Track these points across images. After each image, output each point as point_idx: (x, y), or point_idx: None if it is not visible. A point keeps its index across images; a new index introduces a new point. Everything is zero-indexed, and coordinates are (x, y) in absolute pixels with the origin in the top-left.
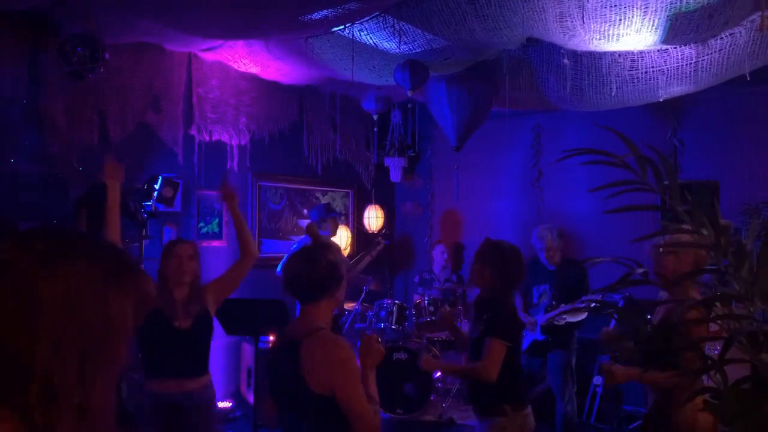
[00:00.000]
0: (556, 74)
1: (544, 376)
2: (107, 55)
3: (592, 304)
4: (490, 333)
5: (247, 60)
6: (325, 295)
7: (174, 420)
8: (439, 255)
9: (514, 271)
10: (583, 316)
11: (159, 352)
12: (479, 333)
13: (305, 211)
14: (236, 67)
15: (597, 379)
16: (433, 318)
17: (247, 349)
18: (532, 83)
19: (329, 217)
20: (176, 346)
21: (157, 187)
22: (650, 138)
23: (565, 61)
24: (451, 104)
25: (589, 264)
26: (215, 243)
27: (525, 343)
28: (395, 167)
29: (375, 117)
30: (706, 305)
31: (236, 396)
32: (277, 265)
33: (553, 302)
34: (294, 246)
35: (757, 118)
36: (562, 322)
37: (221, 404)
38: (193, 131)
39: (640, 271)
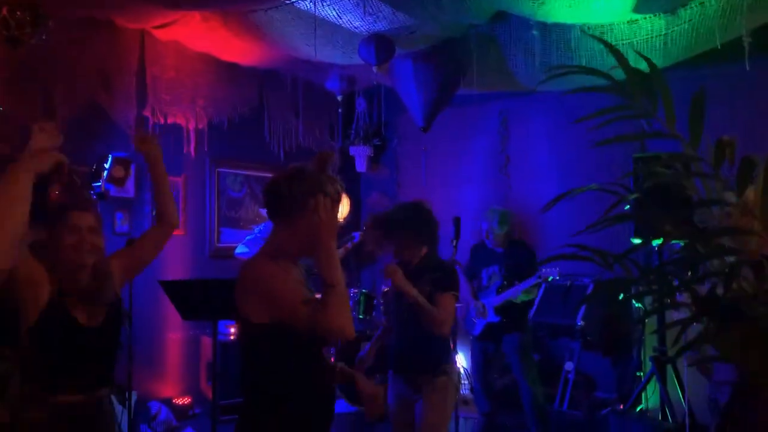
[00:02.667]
0: (525, 51)
1: (502, 364)
2: (51, 24)
3: (550, 279)
4: (441, 289)
5: (204, 39)
6: (278, 217)
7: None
8: None
9: (433, 224)
10: (535, 295)
11: (62, 359)
12: (428, 294)
13: None
14: (192, 47)
15: (568, 365)
16: None
17: (207, 343)
18: (500, 61)
19: None
20: (84, 350)
21: (107, 167)
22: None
23: (534, 32)
24: (418, 82)
25: (546, 260)
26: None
27: (477, 329)
28: (360, 156)
29: (339, 97)
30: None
31: (195, 392)
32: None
33: (505, 282)
34: (255, 232)
35: (725, 99)
36: (519, 300)
37: (179, 401)
38: (147, 113)
39: (632, 197)
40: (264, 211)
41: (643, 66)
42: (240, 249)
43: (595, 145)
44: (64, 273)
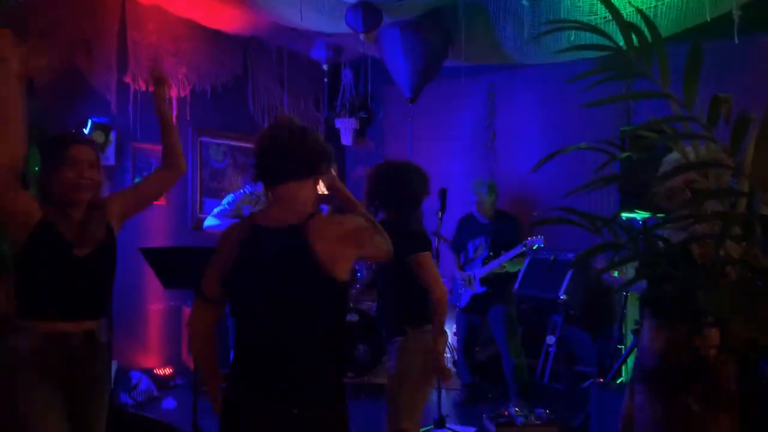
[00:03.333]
0: (514, 22)
1: (486, 336)
2: None
3: (535, 248)
4: (418, 248)
5: (187, 3)
6: (314, 174)
7: (64, 364)
8: None
9: (395, 185)
10: (521, 265)
11: (50, 285)
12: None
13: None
14: (175, 12)
15: (549, 339)
16: None
17: (188, 314)
18: (488, 32)
19: None
20: (73, 278)
21: (86, 132)
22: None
23: (524, 2)
24: (405, 52)
25: (534, 224)
26: (154, 202)
27: (463, 301)
28: (346, 129)
29: (325, 67)
30: (697, 200)
31: (176, 363)
32: None
33: (491, 253)
34: (224, 204)
35: (713, 75)
36: (503, 271)
37: (161, 371)
38: (128, 79)
39: (624, 155)
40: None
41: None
42: (210, 221)
43: (583, 106)
44: (57, 207)
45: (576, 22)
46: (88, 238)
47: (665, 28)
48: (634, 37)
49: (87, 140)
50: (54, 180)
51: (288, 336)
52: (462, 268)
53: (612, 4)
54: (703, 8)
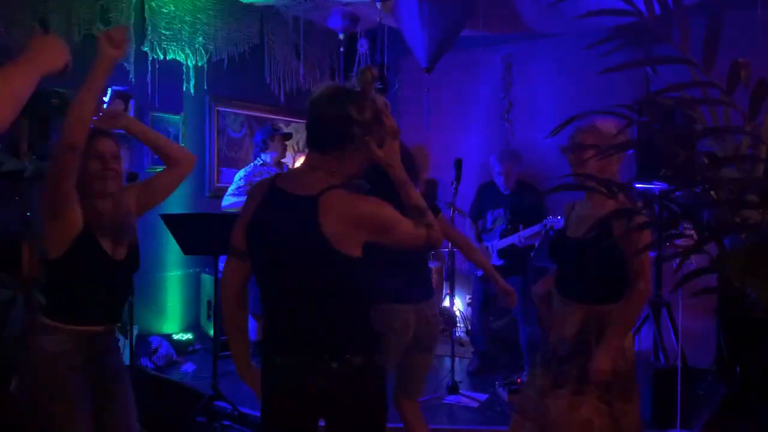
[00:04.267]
0: None
1: (502, 306)
2: None
3: (552, 227)
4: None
5: None
6: (328, 149)
7: (93, 361)
8: None
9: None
10: (539, 238)
11: (88, 291)
12: None
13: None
14: None
15: None
16: None
17: (208, 281)
18: (506, 1)
19: (277, 135)
20: (110, 283)
21: (106, 100)
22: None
23: None
24: (423, 20)
25: (550, 190)
26: (167, 195)
27: (480, 271)
28: None
29: (341, 36)
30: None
31: (196, 329)
32: None
33: (509, 226)
34: (237, 181)
35: (733, 47)
36: (522, 245)
37: (180, 336)
38: (145, 48)
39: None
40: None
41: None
42: (227, 201)
43: (600, 73)
44: (88, 202)
45: None
46: (123, 242)
47: None
48: (655, 3)
49: (110, 133)
50: (83, 174)
51: (302, 298)
52: (479, 238)
53: None
54: None
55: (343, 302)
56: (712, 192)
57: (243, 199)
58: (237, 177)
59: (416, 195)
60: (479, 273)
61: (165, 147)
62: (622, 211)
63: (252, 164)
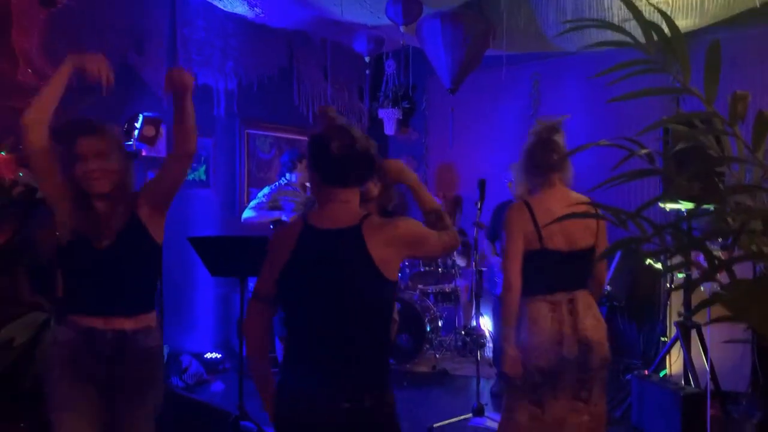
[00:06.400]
0: (556, 10)
1: None
2: None
3: None
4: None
5: None
6: (361, 181)
7: (97, 364)
8: None
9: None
10: None
11: (76, 280)
12: None
13: (280, 159)
14: (222, 7)
15: None
16: (427, 269)
17: (236, 300)
18: (530, 21)
19: (305, 159)
20: (95, 271)
21: (138, 126)
22: (650, 81)
23: None
24: (446, 43)
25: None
26: (201, 191)
27: (500, 288)
28: (389, 119)
29: (367, 59)
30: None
31: (225, 347)
32: None
33: None
34: (260, 197)
35: (758, 61)
36: None
37: (210, 355)
38: None
39: (644, 151)
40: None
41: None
42: (247, 213)
43: (610, 101)
44: (81, 201)
45: (597, 20)
46: (107, 230)
47: (713, 14)
48: (655, 32)
49: (96, 129)
50: (70, 175)
51: (339, 331)
52: (498, 254)
53: (633, 5)
54: None
55: (378, 331)
56: (729, 219)
57: (262, 214)
58: (261, 193)
59: (431, 198)
60: (497, 292)
61: (193, 129)
62: (633, 240)
63: (276, 183)
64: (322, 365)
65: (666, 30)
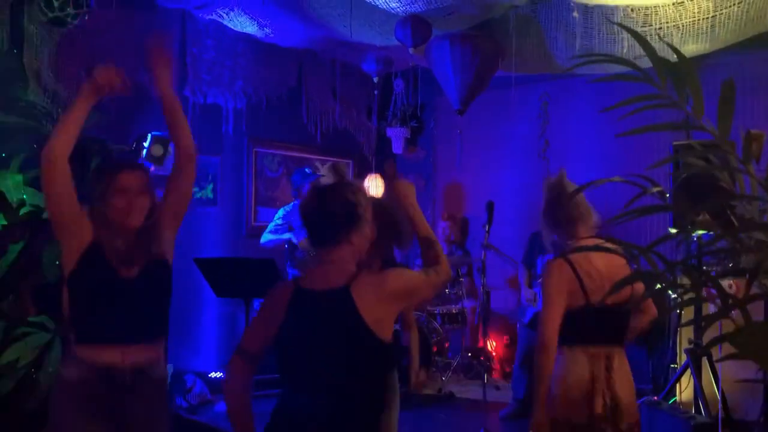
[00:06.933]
0: (565, 33)
1: None
2: (92, 3)
3: None
4: None
5: (244, 18)
6: (341, 240)
7: (114, 398)
8: (443, 229)
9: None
10: None
11: (95, 307)
12: None
13: (291, 177)
14: (232, 27)
15: None
16: None
17: (242, 319)
18: (539, 43)
19: (312, 178)
20: (119, 300)
21: (146, 145)
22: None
23: (575, 14)
24: (455, 64)
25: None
26: (209, 209)
27: (527, 316)
28: (397, 138)
29: (375, 79)
30: (732, 234)
31: None
32: None
33: None
34: (277, 221)
35: None
36: None
37: (214, 374)
38: (186, 92)
39: (655, 189)
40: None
41: (687, 50)
42: (266, 237)
43: (618, 135)
44: (108, 233)
45: (608, 55)
46: (136, 259)
47: (724, 39)
48: (668, 69)
49: (138, 166)
50: (105, 207)
51: (333, 394)
52: (530, 285)
53: (647, 42)
54: (764, 18)
55: (373, 393)
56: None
57: (280, 236)
58: (277, 216)
59: (427, 226)
60: (526, 320)
61: (183, 119)
62: (644, 276)
63: (291, 204)
64: (315, 426)
65: (674, 56)
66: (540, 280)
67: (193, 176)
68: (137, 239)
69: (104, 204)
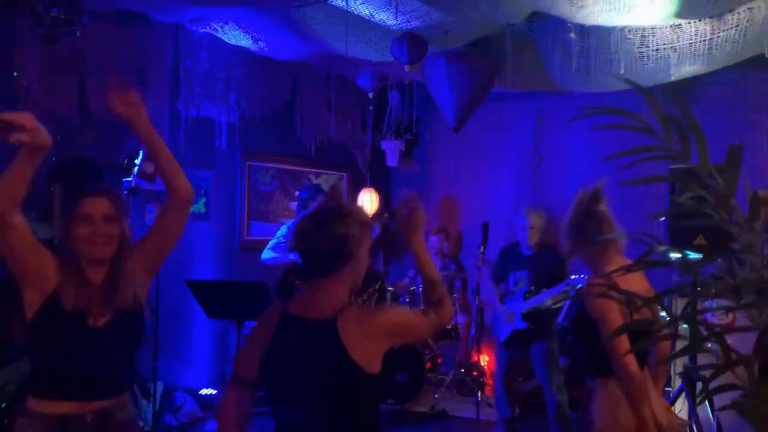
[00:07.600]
0: (562, 52)
1: (528, 368)
2: (84, 19)
3: (576, 287)
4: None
5: (238, 32)
6: (332, 273)
7: None
8: (433, 242)
9: None
10: (564, 302)
11: (58, 360)
12: None
13: (297, 193)
14: (226, 40)
15: None
16: None
17: (233, 335)
18: (535, 62)
19: (319, 196)
20: (85, 352)
21: (137, 162)
22: (658, 123)
23: (572, 35)
24: (451, 82)
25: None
26: (201, 223)
27: (504, 334)
28: (392, 150)
29: (370, 95)
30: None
31: (222, 383)
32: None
33: (532, 288)
34: (278, 237)
35: (765, 105)
36: (544, 307)
37: (205, 391)
38: (179, 105)
39: (662, 249)
40: (294, 206)
41: (684, 71)
42: (267, 254)
43: (621, 183)
44: (75, 267)
45: (609, 108)
46: (108, 305)
47: (720, 60)
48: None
49: (104, 191)
50: (68, 237)
51: (318, 427)
52: (502, 300)
53: (652, 98)
54: (761, 41)
55: (361, 423)
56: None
57: (280, 255)
58: (279, 233)
59: (432, 265)
60: (502, 338)
61: (168, 161)
62: (642, 323)
63: (294, 220)
64: None
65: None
66: (513, 295)
67: (186, 217)
68: (111, 281)
69: (68, 235)
